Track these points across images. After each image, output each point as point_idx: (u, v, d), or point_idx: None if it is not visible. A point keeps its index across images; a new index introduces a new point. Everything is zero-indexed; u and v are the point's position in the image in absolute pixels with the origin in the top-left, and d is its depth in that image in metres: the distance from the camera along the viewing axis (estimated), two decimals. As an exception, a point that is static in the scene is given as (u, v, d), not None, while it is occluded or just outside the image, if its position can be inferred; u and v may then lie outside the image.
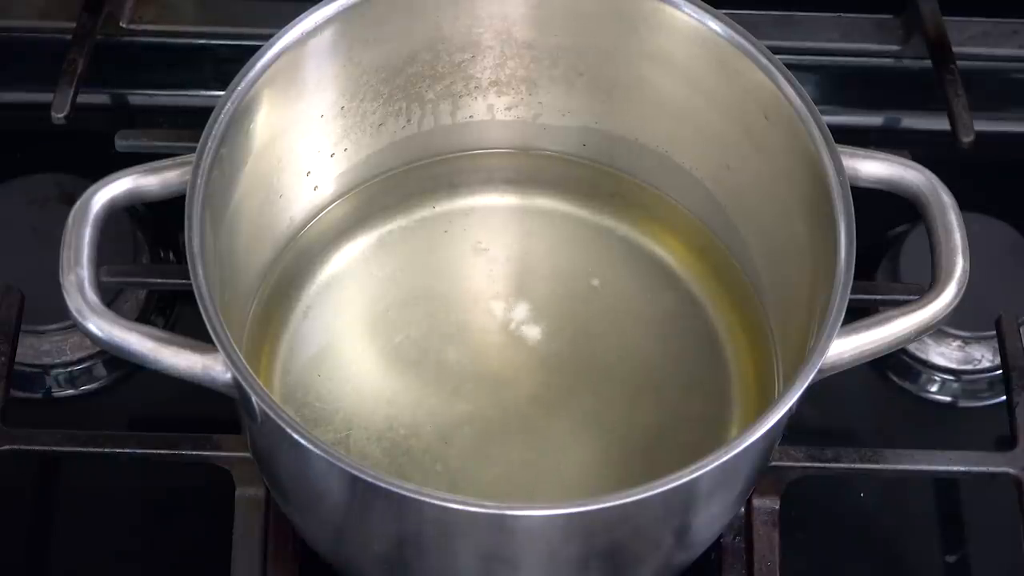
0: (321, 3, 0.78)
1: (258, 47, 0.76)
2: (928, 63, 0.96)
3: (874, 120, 1.01)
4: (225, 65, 0.87)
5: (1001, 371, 0.86)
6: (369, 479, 0.66)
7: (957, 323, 0.87)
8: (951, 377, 0.90)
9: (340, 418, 0.80)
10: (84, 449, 0.80)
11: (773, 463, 0.80)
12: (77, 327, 0.70)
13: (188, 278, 0.70)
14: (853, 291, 0.71)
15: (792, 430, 0.74)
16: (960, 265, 0.73)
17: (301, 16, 0.78)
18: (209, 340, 0.68)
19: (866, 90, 1.01)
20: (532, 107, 0.87)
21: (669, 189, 0.87)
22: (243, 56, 0.76)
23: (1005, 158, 0.99)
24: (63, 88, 0.91)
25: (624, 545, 0.72)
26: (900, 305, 0.74)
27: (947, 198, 0.75)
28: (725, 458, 0.67)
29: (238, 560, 0.79)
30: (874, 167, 0.76)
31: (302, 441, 0.66)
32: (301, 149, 0.82)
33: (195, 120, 0.75)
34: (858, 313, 0.74)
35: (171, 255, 0.91)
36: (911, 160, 0.76)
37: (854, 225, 0.73)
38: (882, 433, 0.88)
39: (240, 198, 0.78)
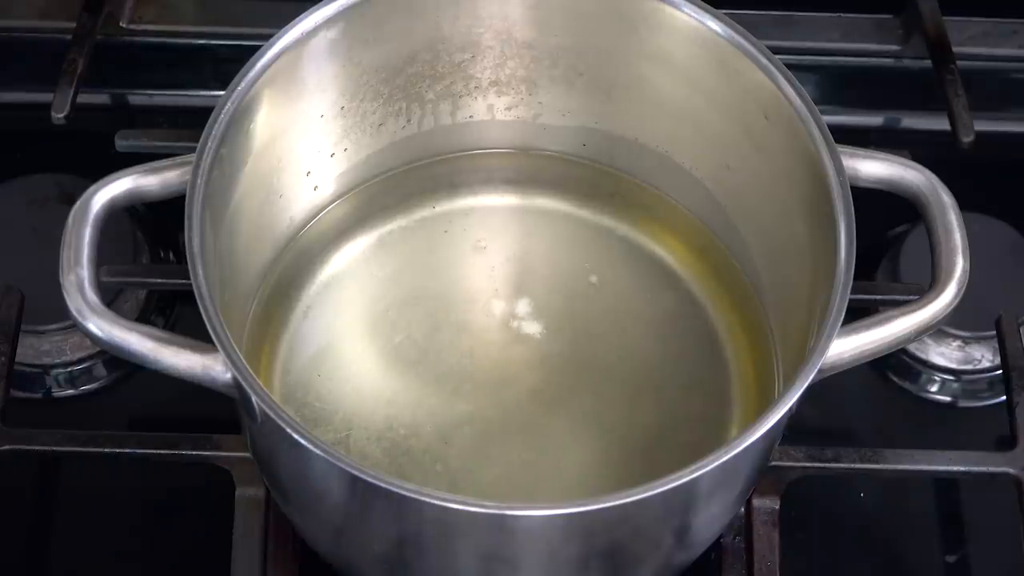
0: (321, 3, 0.78)
1: (258, 47, 0.76)
2: (928, 63, 0.96)
3: (874, 120, 1.01)
4: (225, 65, 0.87)
5: (1001, 371, 0.86)
6: (369, 479, 0.66)
7: (957, 323, 0.87)
8: (951, 377, 0.90)
9: (340, 418, 0.80)
10: (84, 449, 0.80)
11: (773, 463, 0.80)
12: (77, 327, 0.70)
13: (188, 278, 0.70)
14: (853, 291, 0.71)
15: (792, 430, 0.74)
16: (960, 265, 0.73)
17: (301, 16, 0.78)
18: (209, 340, 0.68)
19: (866, 90, 1.01)
20: (532, 107, 0.87)
21: (669, 189, 0.87)
22: (243, 56, 0.76)
23: (1005, 158, 0.99)
24: (63, 88, 0.91)
25: (624, 545, 0.72)
26: (900, 305, 0.74)
27: (947, 198, 0.75)
28: (725, 458, 0.67)
29: (238, 560, 0.79)
30: (874, 167, 0.76)
31: (302, 441, 0.66)
32: (301, 149, 0.82)
33: (195, 120, 0.75)
34: (858, 313, 0.74)
35: (171, 255, 0.91)
36: (911, 160, 0.76)
37: (854, 225, 0.73)
38: (882, 433, 0.88)
39: (240, 198, 0.78)
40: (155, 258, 0.90)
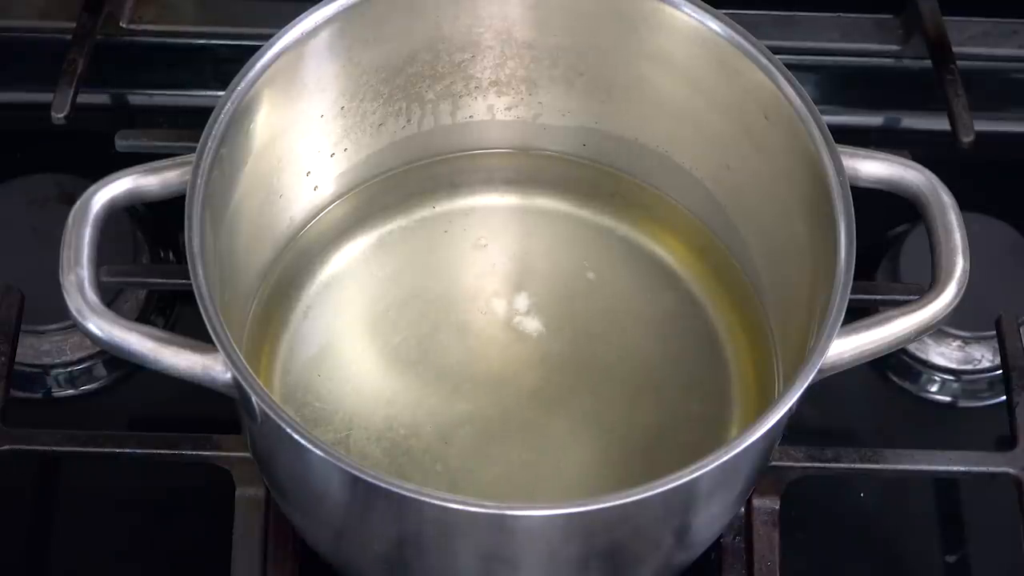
0: (321, 3, 0.78)
1: (258, 47, 0.76)
2: (928, 63, 0.96)
3: (874, 120, 1.01)
4: (225, 65, 0.87)
5: (1001, 371, 0.86)
6: (369, 479, 0.66)
7: (957, 323, 0.87)
8: (951, 377, 0.90)
9: (340, 418, 0.80)
10: (84, 449, 0.80)
11: (773, 463, 0.80)
12: (77, 327, 0.70)
13: (188, 278, 0.70)
14: (853, 291, 0.71)
15: (792, 430, 0.74)
16: (960, 265, 0.73)
17: (301, 16, 0.78)
18: (209, 340, 0.68)
19: (866, 90, 1.01)
20: (532, 107, 0.87)
21: (669, 189, 0.87)
22: (243, 56, 0.76)
23: (1005, 158, 0.99)
24: (63, 88, 0.91)
25: (624, 545, 0.72)
26: (900, 305, 0.74)
27: (947, 198, 0.75)
28: (725, 458, 0.67)
29: (238, 560, 0.79)
30: (874, 167, 0.76)
31: (302, 441, 0.66)
32: (301, 149, 0.82)
33: (195, 120, 0.75)
34: (858, 313, 0.74)
35: (171, 255, 0.91)
36: (911, 160, 0.76)
37: (854, 225, 0.73)
38: (882, 433, 0.88)
39: (240, 198, 0.78)
40: (155, 258, 0.90)
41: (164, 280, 0.88)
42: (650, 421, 0.81)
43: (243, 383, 0.68)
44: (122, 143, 0.90)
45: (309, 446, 0.66)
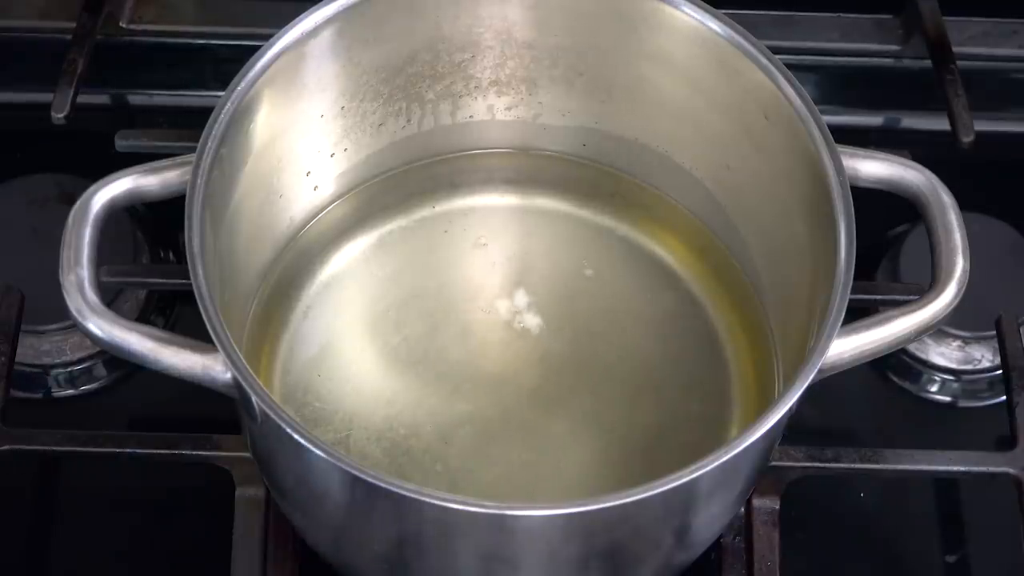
0: (321, 3, 0.78)
1: (258, 47, 0.76)
2: (928, 63, 0.96)
3: (874, 120, 1.01)
4: (225, 65, 0.87)
5: (1001, 371, 0.86)
6: (369, 479, 0.66)
7: (957, 323, 0.87)
8: (951, 377, 0.90)
9: (340, 418, 0.80)
10: (84, 449, 0.80)
11: (773, 463, 0.80)
12: (77, 327, 0.70)
13: (188, 278, 0.70)
14: (853, 291, 0.71)
15: (792, 430, 0.74)
16: (960, 265, 0.73)
17: (301, 16, 0.78)
18: (209, 340, 0.68)
19: (866, 90, 1.01)
20: (532, 107, 0.87)
21: (669, 189, 0.87)
22: (243, 56, 0.76)
23: (1005, 158, 0.99)
24: (63, 88, 0.91)
25: (624, 545, 0.72)
26: (900, 305, 0.74)
27: (947, 198, 0.75)
28: (725, 458, 0.67)
29: (238, 560, 0.79)
30: (874, 167, 0.76)
31: (302, 441, 0.66)
32: (301, 149, 0.82)
33: (195, 120, 0.75)
34: (858, 313, 0.74)
35: (171, 255, 0.91)
36: (911, 160, 0.76)
37: (854, 225, 0.73)
38: (882, 433, 0.88)
39: (240, 198, 0.78)
40: (155, 258, 0.90)
41: (164, 280, 0.88)
42: (650, 421, 0.81)
43: (243, 383, 0.68)
44: (122, 143, 0.90)
45: (309, 446, 0.66)
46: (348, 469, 0.66)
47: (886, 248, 0.92)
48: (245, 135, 0.77)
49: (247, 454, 0.78)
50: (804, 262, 0.77)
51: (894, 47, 1.01)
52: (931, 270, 0.74)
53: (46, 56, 0.95)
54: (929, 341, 0.89)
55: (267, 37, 0.77)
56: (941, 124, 0.93)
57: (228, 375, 0.69)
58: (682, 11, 0.79)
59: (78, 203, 0.72)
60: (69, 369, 0.88)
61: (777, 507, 0.81)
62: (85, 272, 0.71)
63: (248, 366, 0.68)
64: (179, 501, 0.84)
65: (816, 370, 0.69)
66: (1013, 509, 0.80)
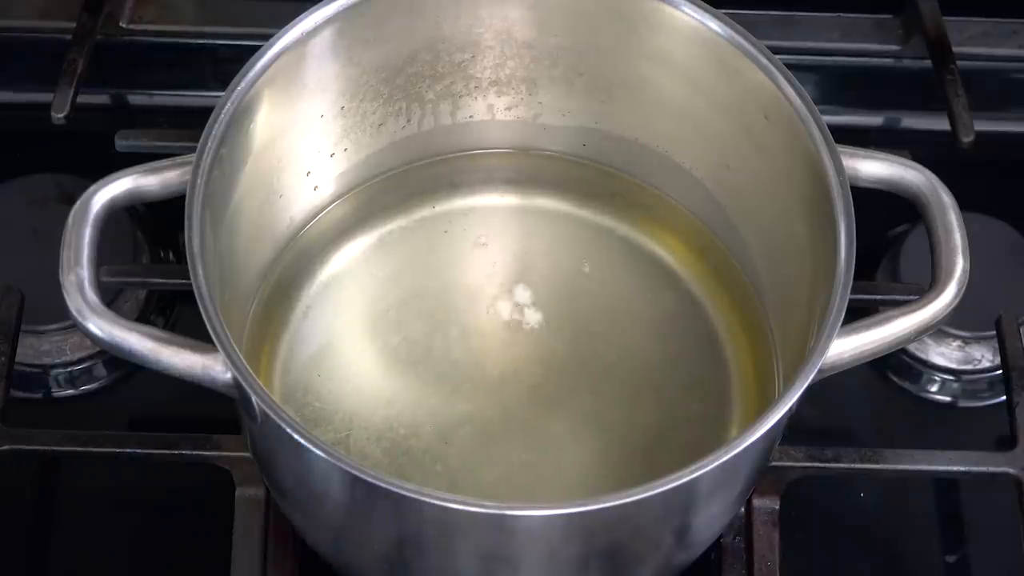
0: (321, 3, 0.78)
1: (258, 47, 0.76)
2: (928, 63, 0.96)
3: (874, 120, 1.01)
4: (225, 65, 0.87)
5: (1001, 371, 0.86)
6: (369, 479, 0.66)
7: (957, 323, 0.87)
8: (951, 377, 0.90)
9: (340, 418, 0.80)
10: (84, 449, 0.80)
11: (773, 463, 0.80)
12: (77, 327, 0.70)
13: (188, 278, 0.70)
14: (853, 291, 0.71)
15: (792, 430, 0.74)
16: (960, 265, 0.73)
17: (301, 16, 0.78)
18: (209, 340, 0.68)
19: (866, 90, 1.01)
20: (532, 107, 0.87)
21: (669, 189, 0.87)
22: (243, 56, 0.76)
23: (1005, 158, 0.99)
24: (63, 88, 0.91)
25: (624, 545, 0.72)
26: (900, 305, 0.74)
27: (947, 198, 0.75)
28: (725, 458, 0.67)
29: (238, 560, 0.79)
30: (874, 167, 0.76)
31: (302, 441, 0.66)
32: (301, 149, 0.82)
33: (195, 120, 0.75)
34: (858, 313, 0.74)
35: (171, 255, 0.91)
36: (911, 160, 0.76)
37: (854, 225, 0.73)
38: (882, 433, 0.88)
39: (240, 198, 0.78)
40: (155, 258, 0.90)
41: (164, 280, 0.88)
42: (650, 421, 0.81)
43: (243, 383, 0.68)
44: (122, 143, 0.90)
45: (309, 446, 0.66)
46: (348, 469, 0.66)
47: (886, 248, 0.92)
48: (245, 135, 0.77)
49: (247, 454, 0.78)
50: (804, 262, 0.77)
51: (894, 47, 1.01)
52: (931, 270, 0.74)
53: (46, 56, 0.95)
54: (929, 341, 0.89)
55: (267, 37, 0.77)
56: (941, 124, 0.93)
57: (228, 375, 0.69)
58: (682, 11, 0.79)
59: (78, 203, 0.72)
60: (69, 369, 0.88)
61: (777, 507, 0.81)
62: (85, 272, 0.71)
63: (248, 366, 0.68)
64: (179, 501, 0.84)
65: (816, 370, 0.69)
66: (1013, 509, 0.80)
